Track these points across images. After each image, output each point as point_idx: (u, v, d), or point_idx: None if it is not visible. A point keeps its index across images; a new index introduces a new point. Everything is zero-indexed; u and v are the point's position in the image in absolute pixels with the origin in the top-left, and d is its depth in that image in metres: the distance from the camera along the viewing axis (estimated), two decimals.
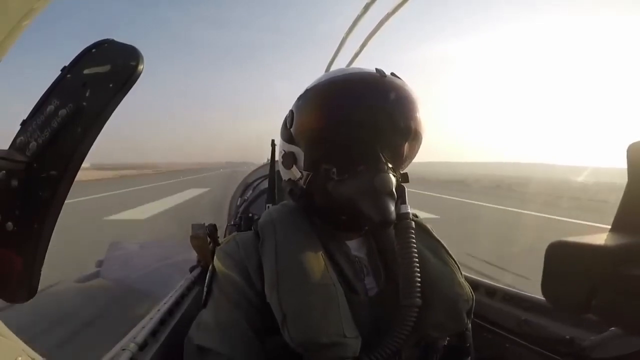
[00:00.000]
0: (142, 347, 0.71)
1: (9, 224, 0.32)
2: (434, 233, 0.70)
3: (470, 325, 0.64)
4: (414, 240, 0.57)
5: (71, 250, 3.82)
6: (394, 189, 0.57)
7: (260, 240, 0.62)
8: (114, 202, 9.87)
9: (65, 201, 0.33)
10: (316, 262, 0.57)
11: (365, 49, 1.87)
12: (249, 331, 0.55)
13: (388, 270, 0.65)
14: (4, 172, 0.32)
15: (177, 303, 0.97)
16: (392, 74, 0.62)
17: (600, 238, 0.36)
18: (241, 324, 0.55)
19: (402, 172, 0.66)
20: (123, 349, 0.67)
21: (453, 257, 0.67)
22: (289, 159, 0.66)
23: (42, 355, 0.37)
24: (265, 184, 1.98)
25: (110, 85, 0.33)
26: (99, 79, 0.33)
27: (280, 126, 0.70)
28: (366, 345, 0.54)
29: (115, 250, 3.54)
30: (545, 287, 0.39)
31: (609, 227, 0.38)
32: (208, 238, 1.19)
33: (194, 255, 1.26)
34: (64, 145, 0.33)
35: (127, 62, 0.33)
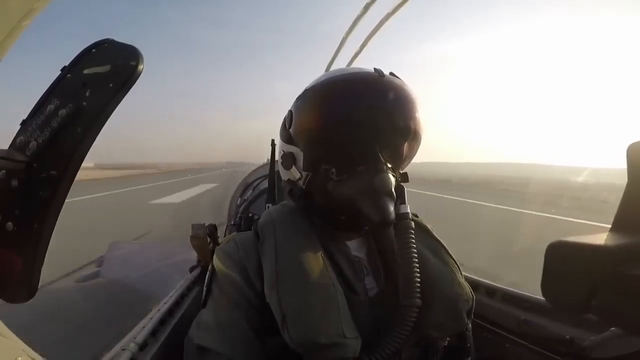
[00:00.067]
0: (142, 347, 0.71)
1: (9, 224, 0.32)
2: (434, 233, 0.70)
3: (470, 325, 0.64)
4: (413, 241, 0.57)
5: (139, 219, 6.96)
6: (393, 189, 0.57)
7: (260, 240, 0.62)
8: (145, 193, 12.32)
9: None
10: (316, 262, 0.57)
11: (365, 49, 1.87)
12: (249, 331, 0.55)
13: (388, 271, 0.65)
14: (4, 171, 0.32)
15: (177, 303, 0.97)
16: (391, 73, 0.62)
17: (600, 238, 0.36)
18: (241, 324, 0.55)
19: (401, 172, 0.65)
20: (123, 349, 0.67)
21: (453, 257, 0.67)
22: (288, 160, 0.66)
23: (42, 355, 0.37)
24: (265, 184, 1.98)
25: (110, 85, 0.33)
26: (99, 79, 0.33)
27: (280, 126, 0.70)
28: (366, 346, 0.54)
29: (116, 250, 3.54)
30: (545, 287, 0.39)
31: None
32: (208, 238, 1.19)
33: (193, 255, 1.26)
34: (64, 145, 0.33)
35: (127, 62, 0.33)
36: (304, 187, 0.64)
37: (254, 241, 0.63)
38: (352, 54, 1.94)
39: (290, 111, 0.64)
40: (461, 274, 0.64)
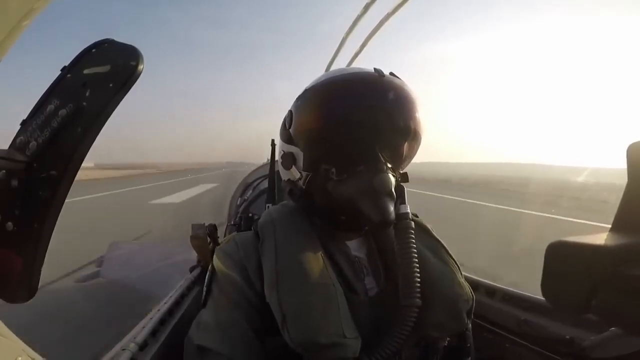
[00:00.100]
0: (142, 347, 0.71)
1: (9, 224, 0.32)
2: (434, 233, 0.70)
3: (470, 325, 0.64)
4: (413, 241, 0.57)
5: (139, 219, 7.03)
6: (393, 189, 0.57)
7: (260, 240, 0.62)
8: (146, 193, 12.44)
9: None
10: (316, 262, 0.57)
11: (365, 49, 1.87)
12: (249, 331, 0.55)
13: (388, 271, 0.64)
14: (4, 171, 0.32)
15: (177, 303, 0.97)
16: (391, 73, 0.62)
17: (600, 238, 0.36)
18: (241, 324, 0.55)
19: (401, 172, 0.65)
20: (123, 349, 0.67)
21: (453, 257, 0.67)
22: (288, 160, 0.66)
23: (42, 355, 0.37)
24: (265, 184, 1.98)
25: (110, 85, 0.33)
26: (99, 79, 0.33)
27: (280, 126, 0.70)
28: (366, 346, 0.54)
29: (116, 250, 3.54)
30: (545, 287, 0.39)
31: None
32: (208, 238, 1.19)
33: (193, 255, 1.26)
34: (64, 145, 0.33)
35: (127, 62, 0.33)
36: (304, 187, 0.64)
37: (254, 241, 0.63)
38: (352, 54, 1.94)
39: (290, 111, 0.64)
40: (461, 274, 0.64)
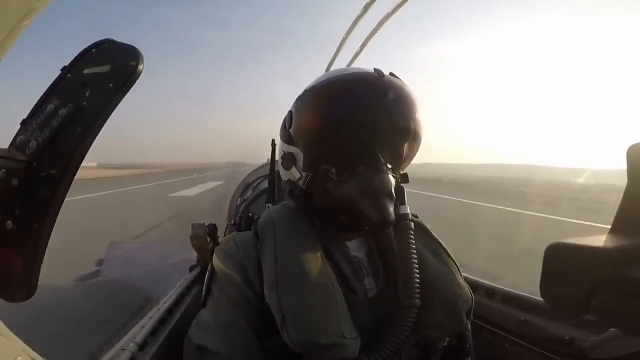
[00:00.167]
0: (142, 346, 0.71)
1: (9, 223, 0.32)
2: (433, 234, 0.70)
3: (469, 325, 0.64)
4: (413, 241, 0.57)
5: (168, 206, 8.56)
6: (393, 190, 0.57)
7: (260, 240, 0.62)
8: (161, 189, 14.49)
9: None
10: (315, 262, 0.57)
11: (365, 49, 1.87)
12: (248, 331, 0.55)
13: (388, 271, 0.64)
14: (4, 171, 0.32)
15: (177, 302, 0.97)
16: (391, 73, 0.62)
17: (599, 239, 0.36)
18: (241, 324, 0.55)
19: (401, 172, 0.65)
20: (123, 349, 0.67)
21: (453, 257, 0.67)
22: (288, 160, 0.66)
23: (42, 355, 0.37)
24: (265, 184, 1.98)
25: (110, 85, 0.33)
26: (99, 78, 0.33)
27: (280, 126, 0.70)
28: (366, 346, 0.54)
29: (116, 249, 3.54)
30: (544, 288, 0.39)
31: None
32: (208, 237, 1.19)
33: (193, 255, 1.26)
34: (64, 144, 0.33)
35: (127, 62, 0.33)
36: (304, 187, 0.64)
37: (254, 241, 0.63)
38: (352, 54, 1.94)
39: (290, 111, 0.64)
40: (460, 274, 0.64)
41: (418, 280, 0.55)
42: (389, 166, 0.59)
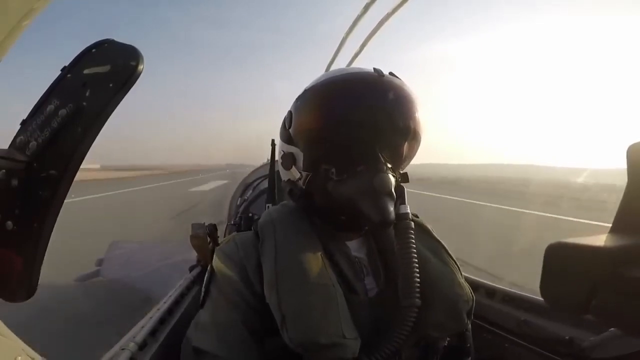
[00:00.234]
0: (142, 346, 0.71)
1: (9, 223, 0.32)
2: (434, 233, 0.70)
3: (470, 325, 0.64)
4: (413, 241, 0.57)
5: (192, 198, 11.33)
6: (393, 189, 0.56)
7: (260, 240, 0.62)
8: (180, 186, 17.71)
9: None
10: (315, 262, 0.57)
11: (365, 49, 1.87)
12: (246, 332, 0.55)
13: (388, 271, 0.64)
14: (4, 171, 0.32)
15: (177, 302, 0.97)
16: (391, 73, 0.62)
17: (599, 239, 0.36)
18: (239, 325, 0.55)
19: (401, 172, 0.65)
20: (122, 349, 0.67)
21: (453, 257, 0.67)
22: (288, 160, 0.66)
23: (41, 354, 0.37)
24: (265, 184, 1.98)
25: (110, 85, 0.33)
26: (99, 79, 0.33)
27: (280, 126, 0.70)
28: (366, 346, 0.54)
29: (116, 249, 3.54)
30: (544, 288, 0.39)
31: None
32: (208, 238, 1.19)
33: (193, 255, 1.26)
34: (64, 145, 0.33)
35: (127, 62, 0.33)
36: (304, 187, 0.64)
37: (254, 241, 0.63)
38: (352, 54, 1.94)
39: (290, 111, 0.64)
40: (461, 274, 0.64)
41: (418, 280, 0.55)
42: (389, 166, 0.59)
